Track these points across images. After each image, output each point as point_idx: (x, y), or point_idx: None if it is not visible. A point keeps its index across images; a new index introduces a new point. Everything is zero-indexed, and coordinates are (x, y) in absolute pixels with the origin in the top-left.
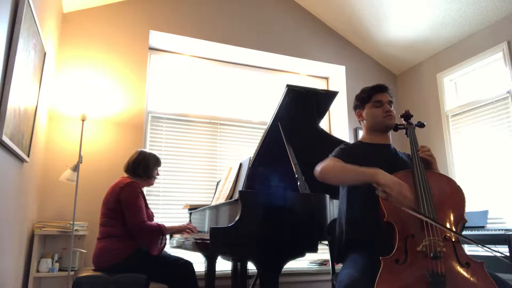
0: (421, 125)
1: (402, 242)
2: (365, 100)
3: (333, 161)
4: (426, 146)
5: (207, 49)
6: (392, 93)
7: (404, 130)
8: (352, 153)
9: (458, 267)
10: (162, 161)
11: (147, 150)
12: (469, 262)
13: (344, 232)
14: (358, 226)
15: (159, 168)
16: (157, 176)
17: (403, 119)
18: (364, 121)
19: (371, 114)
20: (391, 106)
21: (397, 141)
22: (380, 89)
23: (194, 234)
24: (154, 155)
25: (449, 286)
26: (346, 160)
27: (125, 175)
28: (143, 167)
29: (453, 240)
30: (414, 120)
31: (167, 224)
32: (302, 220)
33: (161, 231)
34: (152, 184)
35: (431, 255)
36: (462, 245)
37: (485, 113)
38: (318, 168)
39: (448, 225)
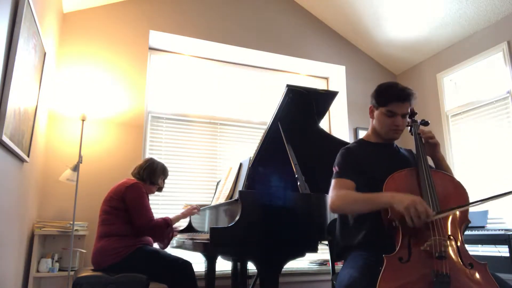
0: (425, 123)
1: (405, 240)
2: (381, 103)
3: (339, 191)
4: (426, 129)
5: (207, 49)
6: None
7: (409, 128)
8: (354, 155)
9: (462, 268)
10: (162, 161)
11: (158, 160)
12: (472, 263)
13: (349, 233)
14: (363, 226)
15: (165, 181)
16: (162, 186)
17: (407, 116)
18: (373, 120)
19: (380, 120)
20: (405, 117)
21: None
22: (401, 99)
23: (194, 234)
24: (163, 165)
25: (453, 286)
26: (352, 172)
27: (127, 177)
28: (149, 171)
29: (458, 243)
30: (417, 119)
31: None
32: (302, 220)
33: (167, 224)
34: (153, 192)
35: (437, 255)
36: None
37: (485, 113)
38: (329, 201)
39: (451, 226)
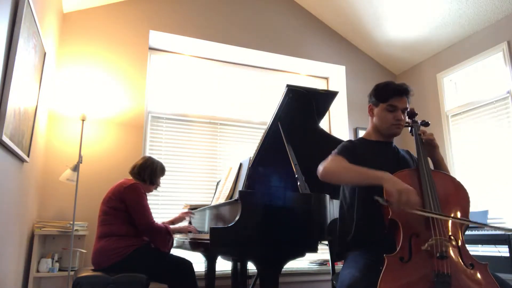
0: (425, 124)
1: (406, 240)
2: (381, 99)
3: (336, 161)
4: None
5: (207, 49)
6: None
7: (409, 129)
8: (355, 151)
9: (463, 268)
10: (162, 161)
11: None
12: (473, 263)
13: (349, 232)
14: (363, 225)
15: (161, 179)
16: (159, 185)
17: (408, 117)
18: (374, 118)
19: (381, 116)
20: (405, 113)
21: (398, 138)
22: (400, 93)
23: (194, 234)
24: (162, 164)
25: (454, 286)
26: (349, 158)
27: (127, 177)
28: (150, 172)
29: (459, 243)
30: (417, 119)
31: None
32: (302, 220)
33: (168, 232)
34: (151, 191)
35: (438, 255)
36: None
37: (485, 113)
38: (321, 167)
39: (452, 226)
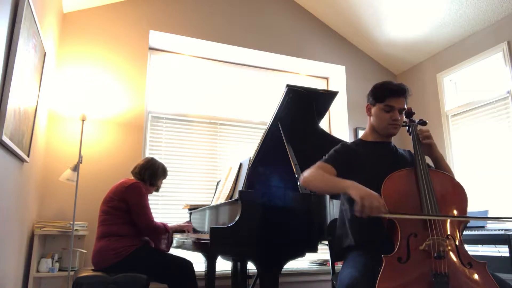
0: (423, 122)
1: (404, 240)
2: (378, 99)
3: (315, 170)
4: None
5: (207, 49)
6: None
7: (406, 128)
8: (349, 153)
9: (461, 267)
10: (162, 161)
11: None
12: (471, 262)
13: (347, 232)
14: (361, 225)
15: (163, 182)
16: (160, 187)
17: (405, 116)
18: (371, 118)
19: (378, 116)
20: (402, 113)
21: (396, 137)
22: (397, 94)
23: (194, 234)
24: (164, 166)
25: (452, 286)
26: (338, 163)
27: (127, 177)
28: (150, 172)
29: (457, 243)
30: (415, 118)
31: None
32: (302, 220)
33: (166, 230)
34: (151, 192)
35: (435, 254)
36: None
37: (485, 113)
38: (301, 176)
39: (450, 226)
